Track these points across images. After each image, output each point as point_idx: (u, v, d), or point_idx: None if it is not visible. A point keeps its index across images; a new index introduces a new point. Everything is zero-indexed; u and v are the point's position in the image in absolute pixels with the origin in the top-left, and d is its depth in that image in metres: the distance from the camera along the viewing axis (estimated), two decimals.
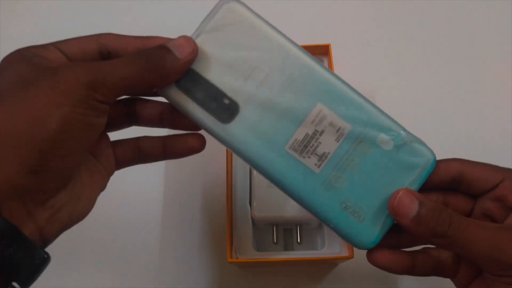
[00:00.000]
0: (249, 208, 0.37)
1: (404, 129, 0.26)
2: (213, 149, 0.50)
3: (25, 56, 0.22)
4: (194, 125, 0.26)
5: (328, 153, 0.25)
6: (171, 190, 0.46)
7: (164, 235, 0.44)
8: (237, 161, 0.39)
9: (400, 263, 0.25)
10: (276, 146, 0.25)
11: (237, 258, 0.35)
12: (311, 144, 0.25)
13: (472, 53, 0.51)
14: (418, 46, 0.52)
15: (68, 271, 0.44)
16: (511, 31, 0.52)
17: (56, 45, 0.24)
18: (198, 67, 0.25)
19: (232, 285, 0.42)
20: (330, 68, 0.41)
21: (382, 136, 0.25)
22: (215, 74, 0.25)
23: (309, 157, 0.25)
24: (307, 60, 0.25)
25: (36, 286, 0.43)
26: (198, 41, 0.25)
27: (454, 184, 0.26)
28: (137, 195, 0.46)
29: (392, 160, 0.25)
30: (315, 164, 0.25)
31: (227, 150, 0.38)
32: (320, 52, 0.42)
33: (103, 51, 0.25)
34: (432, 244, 0.25)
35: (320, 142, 0.25)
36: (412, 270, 0.26)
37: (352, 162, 0.25)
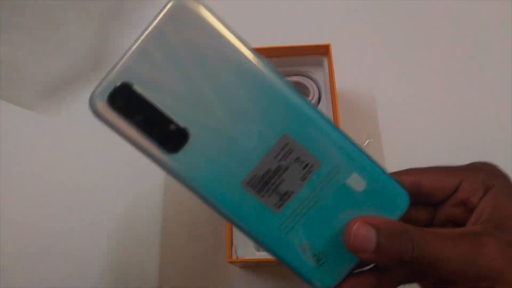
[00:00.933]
0: None
1: (378, 169, 0.23)
2: None
3: None
4: None
5: (292, 192, 0.22)
6: (171, 190, 0.46)
7: (164, 235, 0.44)
8: None
9: (364, 285, 0.24)
10: (232, 183, 0.22)
11: (237, 258, 0.35)
12: (272, 181, 0.22)
13: (472, 53, 0.51)
14: (418, 46, 0.52)
15: (67, 271, 0.44)
16: (511, 31, 0.52)
17: None
18: (136, 82, 0.20)
19: (232, 285, 0.42)
20: (330, 68, 0.41)
21: (355, 175, 0.22)
22: (158, 92, 0.20)
23: (269, 196, 0.22)
24: (274, 79, 0.21)
25: (35, 286, 0.43)
26: (137, 47, 0.20)
27: (412, 198, 0.24)
28: (137, 195, 0.46)
29: (361, 203, 0.23)
30: (275, 204, 0.22)
31: None
32: (320, 52, 0.42)
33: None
34: (397, 268, 0.23)
35: (283, 179, 0.22)
36: (380, 286, 0.24)
37: (316, 203, 0.22)
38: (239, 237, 0.36)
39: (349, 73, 0.48)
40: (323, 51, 0.42)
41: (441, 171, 0.25)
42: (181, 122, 0.21)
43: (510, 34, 0.52)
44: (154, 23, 0.20)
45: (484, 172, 0.24)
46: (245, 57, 0.21)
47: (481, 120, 0.48)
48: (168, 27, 0.20)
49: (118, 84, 0.20)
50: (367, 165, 0.22)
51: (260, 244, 0.23)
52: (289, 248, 0.23)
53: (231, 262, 0.34)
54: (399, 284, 0.24)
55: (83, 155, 0.48)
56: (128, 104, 0.20)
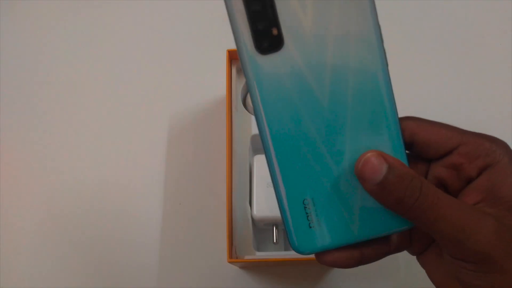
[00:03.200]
0: (249, 208, 0.37)
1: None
2: (213, 149, 0.50)
3: None
4: None
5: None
6: (171, 190, 0.46)
7: (164, 235, 0.44)
8: (237, 161, 0.39)
9: (347, 257, 0.23)
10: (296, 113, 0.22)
11: (237, 258, 0.35)
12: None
13: (472, 53, 0.51)
14: (418, 46, 0.52)
15: (67, 270, 0.44)
16: (511, 31, 0.52)
17: None
18: None
19: (232, 285, 0.42)
20: None
21: None
22: (287, 2, 0.21)
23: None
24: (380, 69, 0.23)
25: (35, 286, 0.43)
26: None
27: (406, 147, 0.24)
28: (137, 194, 0.46)
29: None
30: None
31: (227, 150, 0.37)
32: None
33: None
34: (393, 211, 0.22)
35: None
36: (362, 259, 0.24)
37: (341, 172, 0.23)
38: (239, 237, 0.36)
39: None
40: None
41: (441, 128, 0.23)
42: (285, 33, 0.21)
43: (510, 34, 0.52)
44: None
45: (491, 142, 0.23)
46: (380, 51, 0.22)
47: (481, 120, 0.48)
48: None
49: None
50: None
51: (273, 173, 0.23)
52: (296, 193, 0.23)
53: (231, 262, 0.34)
54: (383, 256, 0.24)
55: (83, 154, 0.48)
56: None
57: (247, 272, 0.43)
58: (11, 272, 0.44)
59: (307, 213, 0.23)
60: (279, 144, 0.23)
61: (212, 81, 0.49)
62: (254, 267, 0.43)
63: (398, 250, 0.25)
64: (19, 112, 0.50)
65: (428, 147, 0.23)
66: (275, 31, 0.21)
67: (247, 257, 0.36)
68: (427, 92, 0.50)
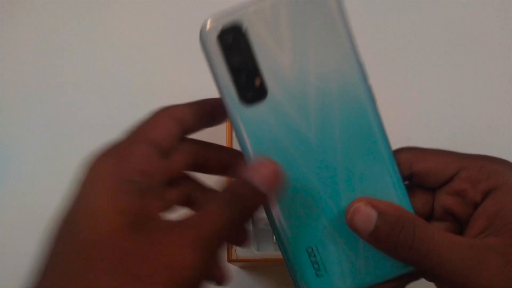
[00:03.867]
0: None
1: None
2: None
3: (121, 187, 0.20)
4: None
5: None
6: None
7: None
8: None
9: None
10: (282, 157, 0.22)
11: (237, 258, 0.35)
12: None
13: (472, 53, 0.51)
14: (417, 46, 0.52)
15: None
16: (511, 31, 0.52)
17: (146, 138, 0.22)
18: (250, 29, 0.21)
19: (232, 285, 0.42)
20: None
21: None
22: (264, 48, 0.21)
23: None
24: (365, 97, 0.22)
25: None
26: (272, 3, 0.21)
27: (406, 179, 0.23)
28: None
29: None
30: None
31: None
32: None
33: (184, 126, 0.23)
34: (391, 256, 0.22)
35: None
36: None
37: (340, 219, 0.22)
38: None
39: None
40: None
41: (438, 155, 0.23)
42: (268, 82, 0.21)
43: (510, 34, 0.52)
44: None
45: (494, 163, 0.22)
46: (352, 69, 0.22)
47: (482, 120, 0.48)
48: (305, 5, 0.21)
49: (234, 23, 0.21)
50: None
51: (273, 222, 0.23)
52: (299, 242, 0.23)
53: (231, 262, 0.34)
54: None
55: (82, 154, 0.48)
56: (233, 44, 0.21)
57: (247, 272, 0.43)
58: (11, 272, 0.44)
59: (312, 261, 0.23)
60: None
61: (212, 81, 0.49)
62: (254, 267, 0.43)
63: (410, 281, 0.24)
64: (19, 112, 0.51)
65: (427, 176, 0.23)
66: (257, 82, 0.21)
67: (247, 257, 0.36)
68: (427, 92, 0.50)
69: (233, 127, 0.22)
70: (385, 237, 0.20)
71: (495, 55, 0.51)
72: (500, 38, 0.52)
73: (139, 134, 0.22)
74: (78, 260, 0.18)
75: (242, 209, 0.20)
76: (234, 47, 0.21)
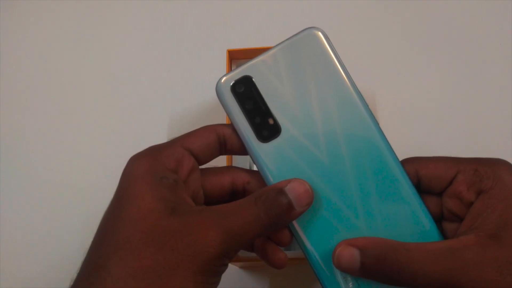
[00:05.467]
0: None
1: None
2: None
3: (154, 182, 0.22)
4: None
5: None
6: None
7: None
8: (237, 160, 0.39)
9: None
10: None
11: (237, 258, 0.35)
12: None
13: (472, 53, 0.51)
14: (418, 46, 0.52)
15: (66, 270, 0.43)
16: (511, 31, 0.52)
17: (182, 143, 0.25)
18: (257, 78, 0.25)
19: (232, 285, 0.42)
20: None
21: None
22: (271, 92, 0.25)
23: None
24: (372, 131, 0.24)
25: (34, 286, 0.42)
26: (271, 52, 0.25)
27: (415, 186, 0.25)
28: None
29: None
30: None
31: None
32: None
33: (221, 140, 0.26)
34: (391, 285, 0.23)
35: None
36: None
37: None
38: None
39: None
40: None
41: (439, 161, 0.24)
42: (280, 120, 0.25)
43: (510, 34, 0.52)
44: (288, 42, 0.25)
45: (489, 166, 0.23)
46: (351, 98, 0.25)
47: (482, 119, 0.48)
48: (297, 48, 0.25)
49: (244, 75, 0.25)
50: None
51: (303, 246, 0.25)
52: (330, 269, 0.25)
53: (231, 262, 0.34)
54: None
55: (82, 155, 0.48)
56: (245, 92, 0.25)
57: (247, 272, 0.43)
58: (11, 272, 0.44)
59: (343, 279, 0.24)
60: (302, 219, 0.24)
61: (212, 81, 0.49)
62: (254, 267, 0.43)
63: None
64: (18, 112, 0.50)
65: (430, 182, 0.24)
66: (271, 121, 0.25)
67: (247, 257, 0.35)
68: (427, 92, 0.50)
69: (254, 162, 0.25)
70: (373, 269, 0.22)
71: (495, 55, 0.51)
72: (500, 38, 0.52)
73: (179, 139, 0.25)
74: (119, 231, 0.21)
75: (270, 213, 0.22)
76: (246, 95, 0.25)
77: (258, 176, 0.26)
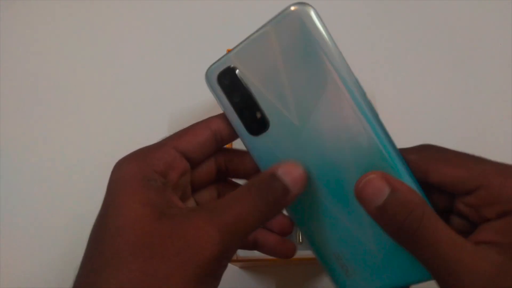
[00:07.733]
0: None
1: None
2: None
3: (144, 184, 0.21)
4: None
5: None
6: None
7: None
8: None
9: None
10: None
11: (237, 258, 0.35)
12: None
13: (473, 53, 0.51)
14: (418, 46, 0.52)
15: (67, 269, 0.43)
16: (511, 31, 0.52)
17: (174, 144, 0.24)
18: (242, 68, 0.23)
19: (232, 285, 0.42)
20: None
21: None
22: (258, 82, 0.23)
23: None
24: (367, 122, 0.22)
25: (35, 286, 0.42)
26: (255, 37, 0.23)
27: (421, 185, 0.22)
28: None
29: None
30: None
31: None
32: None
33: (217, 137, 0.25)
34: (391, 237, 0.21)
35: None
36: None
37: (358, 223, 0.24)
38: None
39: None
40: None
41: (458, 166, 0.21)
42: (266, 113, 0.23)
43: (510, 34, 0.52)
44: (275, 21, 0.23)
45: None
46: (348, 92, 0.22)
47: (482, 119, 0.48)
48: (286, 29, 0.22)
49: (227, 66, 0.23)
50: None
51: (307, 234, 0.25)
52: (327, 251, 0.25)
53: (231, 262, 0.34)
54: None
55: (82, 154, 0.48)
56: (231, 85, 0.23)
57: (247, 272, 0.43)
58: (11, 272, 0.44)
59: (340, 264, 0.24)
60: (295, 207, 0.25)
61: None
62: (254, 267, 0.43)
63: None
64: (18, 112, 0.50)
65: (443, 186, 0.22)
66: (258, 115, 0.23)
67: (247, 257, 0.35)
68: (427, 92, 0.50)
69: (249, 153, 0.25)
70: (391, 215, 0.20)
71: (496, 55, 0.51)
72: (500, 38, 0.52)
73: (170, 140, 0.24)
74: (107, 243, 0.20)
75: (267, 198, 0.21)
76: (232, 87, 0.23)
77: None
